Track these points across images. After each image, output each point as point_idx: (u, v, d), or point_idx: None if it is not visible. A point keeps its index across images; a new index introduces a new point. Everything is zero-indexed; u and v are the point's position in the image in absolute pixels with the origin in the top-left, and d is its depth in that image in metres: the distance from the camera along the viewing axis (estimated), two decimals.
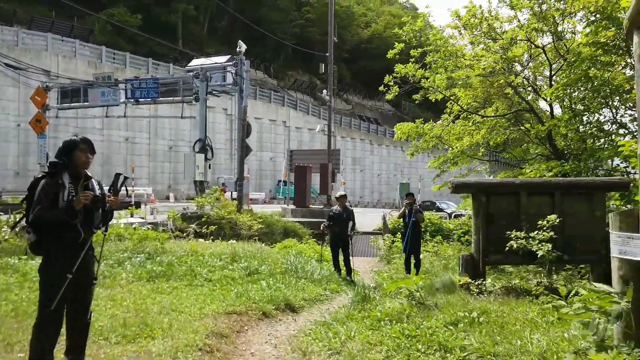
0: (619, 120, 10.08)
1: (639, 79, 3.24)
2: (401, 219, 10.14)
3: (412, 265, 9.24)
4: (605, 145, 10.00)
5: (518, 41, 10.60)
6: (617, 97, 9.64)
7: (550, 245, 5.98)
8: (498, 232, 6.55)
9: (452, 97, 13.07)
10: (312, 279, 7.80)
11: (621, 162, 9.26)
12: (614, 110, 9.91)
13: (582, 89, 9.90)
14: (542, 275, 6.91)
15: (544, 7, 10.20)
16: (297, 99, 45.83)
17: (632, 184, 6.77)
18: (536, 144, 11.99)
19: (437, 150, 15.16)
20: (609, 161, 10.24)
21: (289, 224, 15.54)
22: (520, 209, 6.63)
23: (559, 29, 10.31)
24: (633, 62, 8.71)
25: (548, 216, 6.29)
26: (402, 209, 9.98)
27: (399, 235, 12.35)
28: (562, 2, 10.11)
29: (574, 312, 3.34)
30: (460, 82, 12.22)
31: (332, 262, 9.52)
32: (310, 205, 20.84)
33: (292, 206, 20.96)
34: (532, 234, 6.21)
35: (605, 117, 10.37)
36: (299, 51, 41.95)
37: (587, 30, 9.53)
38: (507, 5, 10.28)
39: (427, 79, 12.28)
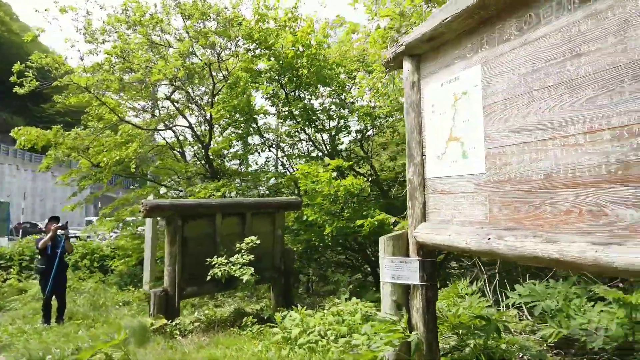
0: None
1: (409, 106, 3.31)
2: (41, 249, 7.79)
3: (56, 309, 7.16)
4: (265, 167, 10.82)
5: (188, 54, 10.21)
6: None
7: (253, 269, 5.72)
8: (195, 260, 5.83)
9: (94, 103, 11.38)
10: None
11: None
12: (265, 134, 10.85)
13: (238, 111, 10.38)
14: (242, 299, 6.59)
15: (207, 24, 10.21)
16: None
17: (302, 204, 7.40)
18: (192, 162, 11.84)
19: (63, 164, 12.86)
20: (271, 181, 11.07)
21: None
22: (217, 231, 6.14)
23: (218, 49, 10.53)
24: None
25: (246, 237, 6.05)
26: (47, 237, 7.67)
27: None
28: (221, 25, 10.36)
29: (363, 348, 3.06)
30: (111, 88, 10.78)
31: None
32: None
33: None
34: (232, 259, 5.80)
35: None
36: None
37: (246, 56, 10.11)
38: (179, 12, 9.74)
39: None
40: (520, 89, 2.37)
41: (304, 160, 11.06)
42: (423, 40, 3.06)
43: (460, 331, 3.60)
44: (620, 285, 4.59)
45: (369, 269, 8.79)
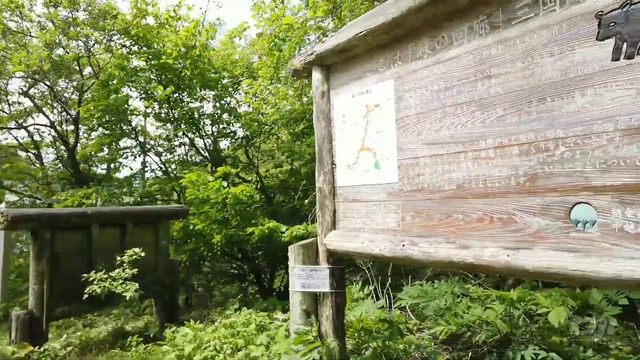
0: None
1: (319, 116, 3.34)
2: None
3: None
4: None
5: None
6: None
7: (137, 285, 5.26)
8: (68, 276, 5.19)
9: None
10: None
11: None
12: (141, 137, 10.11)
13: (110, 111, 9.55)
14: (118, 317, 6.00)
15: (76, 14, 9.23)
16: None
17: (189, 212, 7.05)
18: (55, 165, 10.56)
19: None
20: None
21: None
22: (93, 243, 5.53)
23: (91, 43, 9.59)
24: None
25: (127, 250, 5.55)
26: None
27: None
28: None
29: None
30: None
31: None
32: None
33: None
34: (113, 273, 5.27)
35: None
36: None
37: (121, 53, 9.36)
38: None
39: None
40: (433, 105, 2.52)
41: (184, 165, 10.55)
42: (335, 51, 3.11)
43: (362, 334, 3.71)
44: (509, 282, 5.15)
45: (255, 279, 8.67)
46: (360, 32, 2.85)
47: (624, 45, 1.74)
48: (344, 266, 3.35)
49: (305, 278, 3.26)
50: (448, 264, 2.38)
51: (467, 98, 2.34)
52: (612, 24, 1.77)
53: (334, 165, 3.29)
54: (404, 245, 2.62)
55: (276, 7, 7.24)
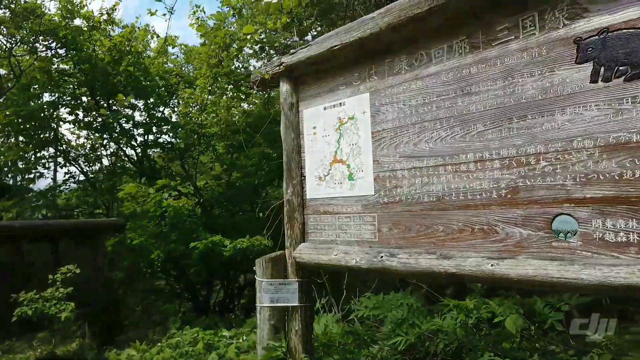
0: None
1: (287, 127, 3.31)
2: None
3: None
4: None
5: None
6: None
7: (73, 304, 4.85)
8: None
9: None
10: None
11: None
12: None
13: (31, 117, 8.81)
14: (42, 341, 5.47)
15: None
16: None
17: (126, 225, 6.67)
18: None
19: None
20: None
21: None
22: (22, 260, 5.04)
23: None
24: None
25: (61, 267, 5.12)
26: None
27: None
28: None
29: None
30: None
31: None
32: None
33: None
34: (45, 293, 4.83)
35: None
36: None
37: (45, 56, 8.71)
38: None
39: None
40: (411, 119, 2.59)
41: (112, 176, 9.97)
42: (307, 63, 3.11)
43: (327, 348, 3.68)
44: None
45: (190, 296, 8.32)
46: (336, 46, 2.87)
47: (602, 69, 1.90)
48: (310, 279, 3.32)
49: (274, 292, 3.18)
50: (429, 274, 2.43)
51: (447, 114, 2.43)
52: (590, 49, 1.93)
53: (303, 178, 3.26)
54: (382, 256, 2.64)
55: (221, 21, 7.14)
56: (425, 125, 2.53)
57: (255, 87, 3.64)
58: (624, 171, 1.84)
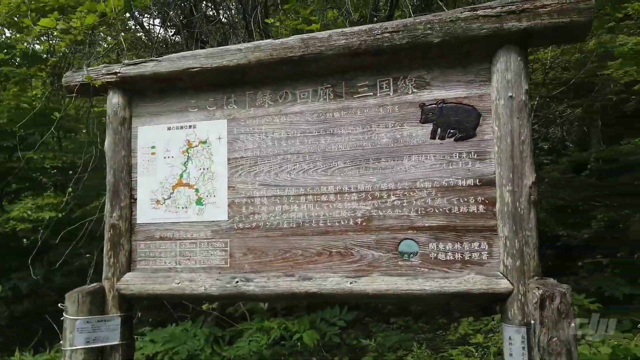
0: None
1: (118, 142, 3.01)
2: None
3: None
4: None
5: None
6: None
7: None
8: None
9: None
10: None
11: None
12: None
13: None
14: None
15: None
16: None
17: None
18: None
19: None
20: None
21: None
22: None
23: None
24: None
25: None
26: None
27: None
28: None
29: None
30: None
31: None
32: None
33: None
34: None
35: None
36: None
37: None
38: None
39: None
40: (273, 150, 2.78)
41: None
42: (153, 79, 2.93)
43: None
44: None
45: None
46: (193, 68, 2.83)
47: (438, 130, 2.54)
48: (132, 314, 3.00)
49: (90, 331, 2.73)
50: (290, 295, 2.60)
51: (309, 149, 2.72)
52: (431, 113, 2.56)
53: (133, 200, 2.97)
54: (237, 282, 2.67)
55: None
56: (287, 157, 2.75)
57: (66, 92, 3.15)
58: (452, 207, 2.49)
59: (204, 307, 5.48)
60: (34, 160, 6.11)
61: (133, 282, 2.84)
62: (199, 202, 2.86)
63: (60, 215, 5.03)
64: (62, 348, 2.73)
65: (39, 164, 6.57)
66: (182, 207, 2.88)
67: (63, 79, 3.16)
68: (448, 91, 2.56)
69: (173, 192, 2.91)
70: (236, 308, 5.59)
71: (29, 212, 5.40)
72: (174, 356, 4.13)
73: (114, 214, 2.92)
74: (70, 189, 4.26)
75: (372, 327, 5.74)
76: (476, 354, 4.29)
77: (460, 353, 4.29)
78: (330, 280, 2.55)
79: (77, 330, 2.69)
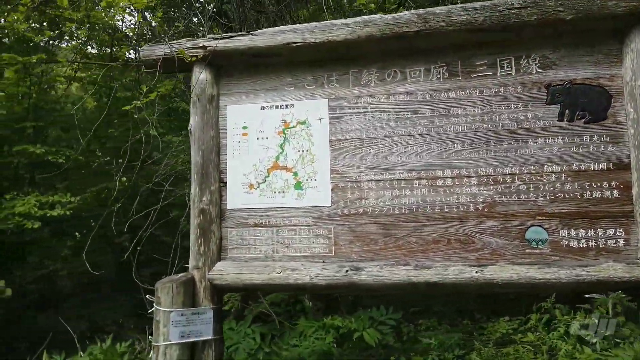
0: None
1: (206, 121, 2.79)
2: None
3: None
4: None
5: None
6: None
7: None
8: None
9: None
10: None
11: None
12: None
13: None
14: None
15: None
16: None
17: None
18: None
19: None
20: None
21: None
22: None
23: None
24: None
25: None
26: None
27: None
28: None
29: None
30: None
31: None
32: None
33: None
34: None
35: None
36: None
37: None
38: None
39: None
40: (381, 132, 2.61)
41: None
42: (248, 54, 2.73)
43: None
44: None
45: None
46: (295, 43, 2.64)
47: (566, 111, 2.42)
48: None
49: (185, 325, 2.51)
50: (407, 285, 2.44)
51: (422, 131, 2.56)
52: (558, 94, 2.43)
53: (223, 184, 2.76)
54: (347, 271, 2.48)
55: None
56: (397, 139, 2.58)
57: (144, 68, 2.93)
58: (584, 192, 2.36)
59: (226, 307, 5.20)
60: None
61: (227, 272, 2.62)
62: (297, 186, 2.67)
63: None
64: (154, 343, 2.50)
65: None
66: (279, 192, 2.69)
67: (141, 52, 2.93)
68: (576, 71, 2.43)
69: (268, 176, 2.72)
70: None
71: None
72: (235, 356, 3.89)
73: (203, 198, 2.70)
74: (124, 178, 3.97)
75: (403, 328, 5.61)
76: (544, 353, 4.16)
77: (526, 350, 4.17)
78: (453, 270, 2.39)
79: (171, 324, 2.47)
